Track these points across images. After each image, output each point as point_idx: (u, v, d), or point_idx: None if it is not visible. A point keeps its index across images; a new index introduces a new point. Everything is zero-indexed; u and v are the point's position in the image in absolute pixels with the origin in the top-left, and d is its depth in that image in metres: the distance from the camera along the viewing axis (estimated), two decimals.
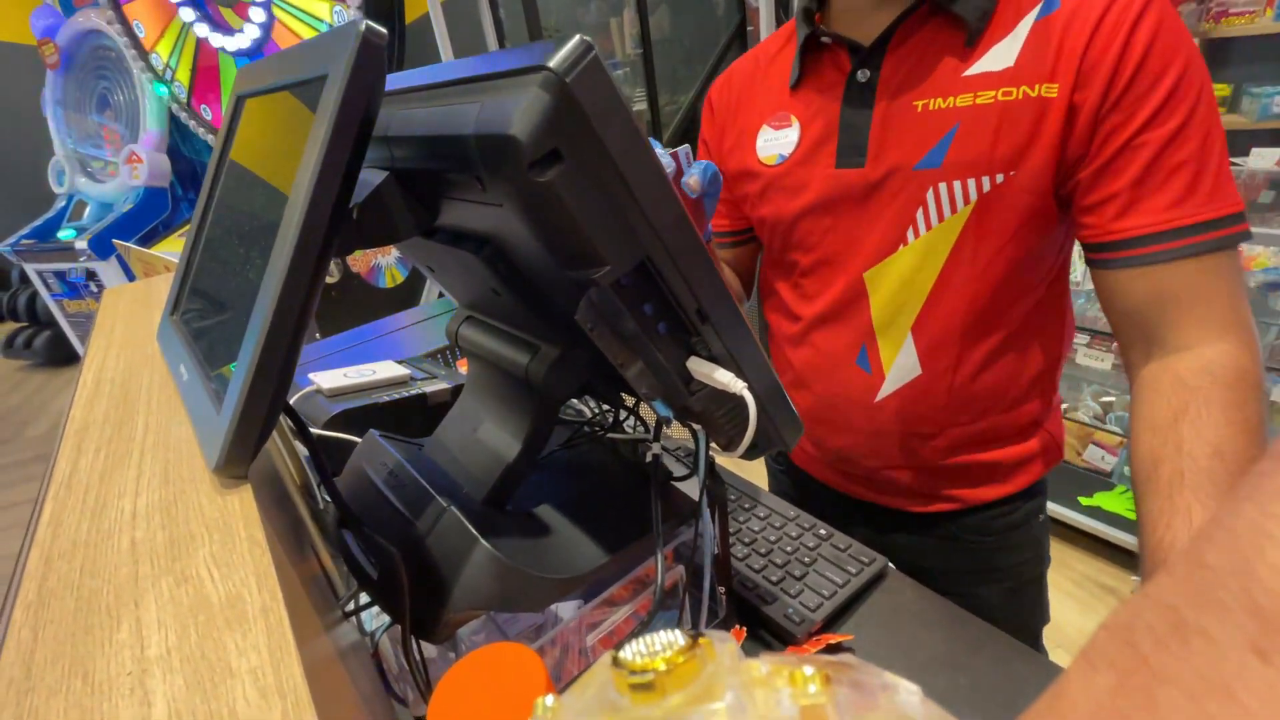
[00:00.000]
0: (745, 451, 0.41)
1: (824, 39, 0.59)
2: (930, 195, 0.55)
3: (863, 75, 0.57)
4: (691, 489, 0.48)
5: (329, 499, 0.56)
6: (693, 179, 0.54)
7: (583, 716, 0.14)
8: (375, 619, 0.54)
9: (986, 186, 0.53)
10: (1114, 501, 1.63)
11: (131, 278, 2.19)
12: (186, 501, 0.26)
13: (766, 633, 0.52)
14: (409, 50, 2.24)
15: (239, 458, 0.25)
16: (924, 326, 0.60)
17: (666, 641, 0.14)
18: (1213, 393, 0.45)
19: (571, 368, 0.40)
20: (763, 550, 0.58)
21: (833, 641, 0.49)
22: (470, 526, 0.38)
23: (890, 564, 0.56)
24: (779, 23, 1.78)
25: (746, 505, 0.64)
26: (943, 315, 0.59)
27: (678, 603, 0.50)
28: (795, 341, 0.70)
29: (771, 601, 0.52)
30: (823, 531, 0.59)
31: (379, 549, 0.38)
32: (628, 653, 0.14)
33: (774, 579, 0.54)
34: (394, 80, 0.36)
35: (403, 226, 0.36)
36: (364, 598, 0.50)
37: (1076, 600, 1.48)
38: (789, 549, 0.58)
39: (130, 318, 0.57)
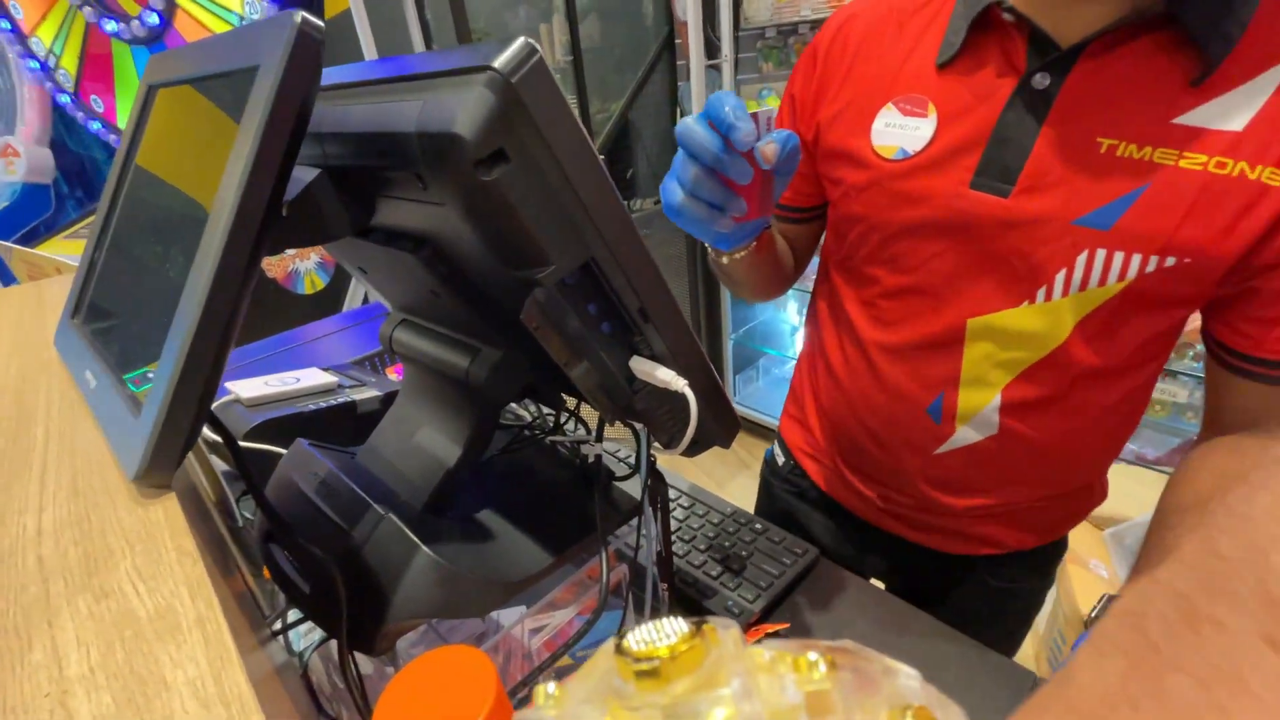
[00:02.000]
0: (686, 449, 0.42)
1: (1006, 15, 0.45)
2: (1082, 259, 0.44)
3: (1041, 81, 0.44)
4: (632, 488, 0.49)
5: (249, 516, 0.53)
6: (769, 146, 0.40)
7: (587, 704, 0.14)
8: (304, 638, 0.51)
9: (1151, 267, 0.43)
10: None
11: (9, 280, 1.98)
12: (101, 514, 0.24)
13: None
14: (328, 48, 2.15)
15: (162, 466, 0.24)
16: (1018, 389, 0.51)
17: (671, 629, 0.14)
18: None
19: (514, 370, 0.40)
20: (702, 546, 0.59)
21: (770, 630, 0.51)
22: (410, 533, 0.37)
23: (820, 554, 0.59)
24: (707, 40, 1.83)
25: (685, 503, 0.65)
26: (1043, 382, 0.50)
27: (621, 602, 0.51)
28: (853, 365, 0.59)
29: (711, 595, 0.54)
30: (758, 526, 0.61)
31: (312, 560, 0.37)
32: (632, 640, 0.14)
33: (713, 573, 0.56)
34: (325, 75, 0.35)
35: (335, 225, 0.35)
36: (292, 615, 0.48)
37: None
38: (727, 544, 0.59)
39: (20, 323, 0.52)
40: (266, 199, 0.25)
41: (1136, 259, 0.43)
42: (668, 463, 0.50)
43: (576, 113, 0.40)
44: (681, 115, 2.98)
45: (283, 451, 0.50)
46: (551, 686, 0.15)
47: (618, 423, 0.44)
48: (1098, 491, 0.63)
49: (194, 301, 0.24)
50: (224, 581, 0.27)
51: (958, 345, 0.51)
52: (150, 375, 0.28)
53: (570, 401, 0.51)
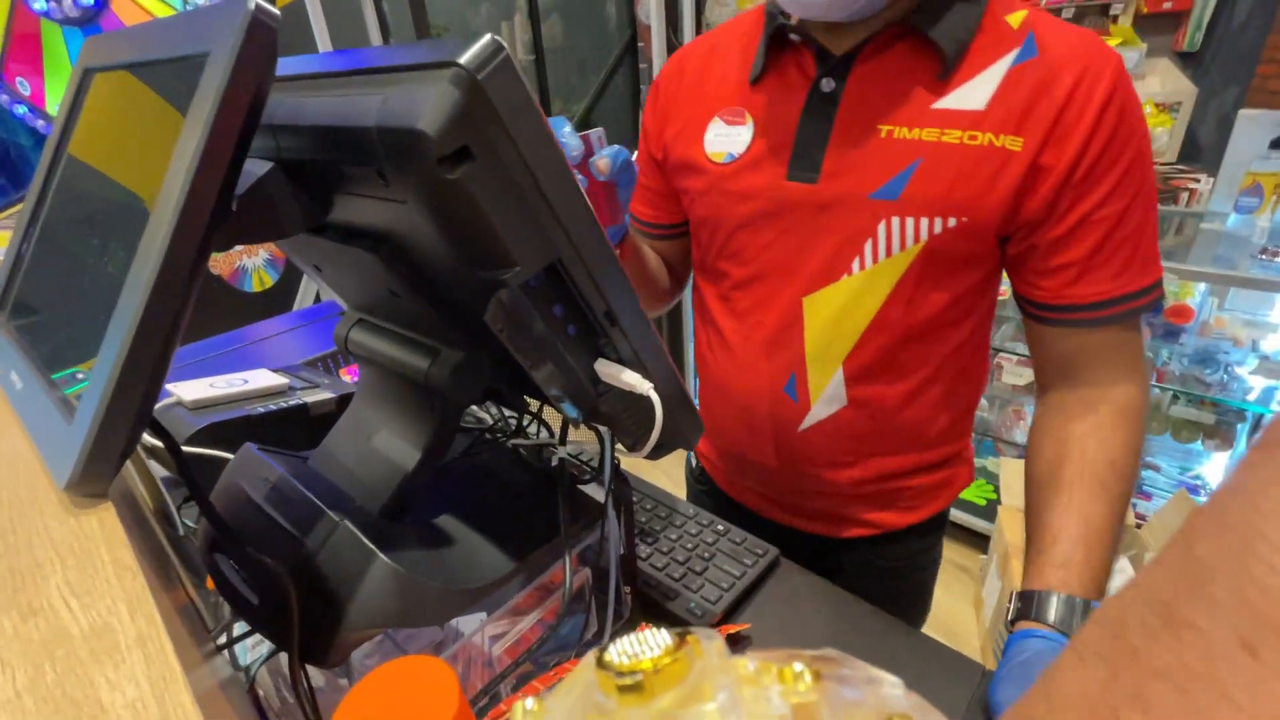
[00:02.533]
0: (650, 451, 0.42)
1: (793, 36, 0.56)
2: (882, 228, 0.53)
3: (827, 85, 0.54)
4: (595, 491, 0.48)
5: (191, 524, 0.50)
6: (602, 161, 0.49)
7: (568, 718, 0.14)
8: (250, 652, 0.49)
9: (938, 228, 0.52)
10: (968, 491, 1.84)
11: None
12: (28, 525, 0.22)
13: (670, 626, 0.53)
14: (280, 39, 2.07)
15: (98, 473, 0.22)
16: (856, 359, 0.59)
17: (654, 641, 0.14)
18: (1117, 421, 0.55)
19: (476, 371, 0.39)
20: (665, 549, 0.59)
21: (732, 631, 0.51)
22: (366, 540, 0.36)
23: (781, 554, 0.60)
24: (668, 42, 1.84)
25: (648, 506, 0.65)
26: (875, 350, 0.58)
27: (584, 606, 0.50)
28: (719, 354, 0.68)
29: (674, 597, 0.54)
30: (720, 528, 0.62)
31: (262, 570, 0.35)
32: (614, 654, 0.14)
33: (676, 575, 0.56)
34: (280, 66, 0.33)
35: (289, 221, 0.33)
36: (238, 629, 0.46)
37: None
38: (689, 546, 0.59)
39: None
40: (216, 193, 0.24)
41: (925, 222, 0.52)
42: (628, 465, 0.50)
43: None
44: None
45: (229, 456, 0.48)
46: (530, 702, 0.15)
47: (581, 425, 0.44)
48: (963, 471, 0.71)
49: (136, 299, 0.23)
50: (165, 595, 0.26)
51: (798, 324, 0.59)
52: (81, 376, 0.26)
53: (533, 404, 0.50)
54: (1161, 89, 1.71)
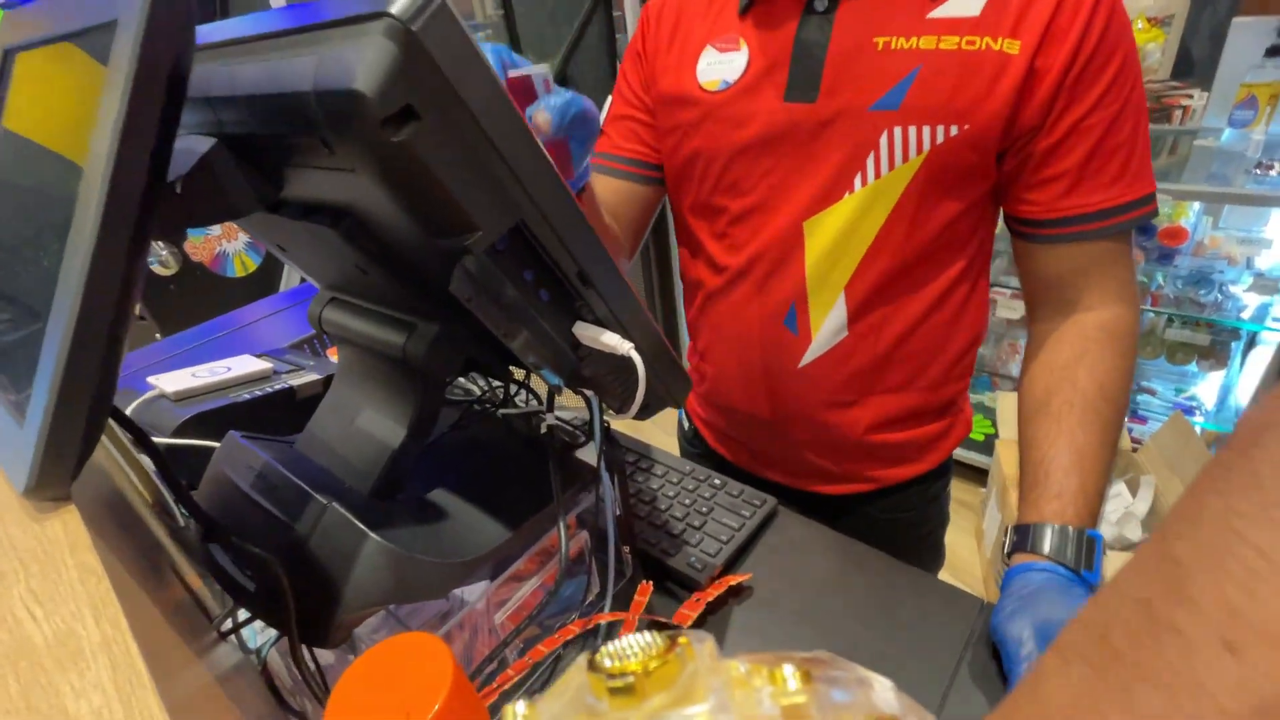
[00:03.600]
0: (638, 412, 0.42)
1: None
2: (884, 139, 0.53)
3: (820, 4, 0.54)
4: (588, 455, 0.48)
5: (188, 514, 0.50)
6: (541, 115, 0.41)
7: None
8: (260, 634, 0.50)
9: (940, 137, 0.52)
10: None
11: None
12: None
13: (672, 583, 0.54)
14: (235, 6, 1.98)
15: (55, 476, 0.22)
16: (856, 286, 0.58)
17: (644, 643, 0.14)
18: (1107, 345, 0.54)
19: (453, 343, 0.38)
20: (662, 506, 0.60)
21: (733, 582, 0.52)
22: (356, 521, 0.35)
23: (779, 504, 0.60)
24: None
25: (644, 466, 0.65)
26: (876, 274, 0.58)
27: (584, 568, 0.51)
28: (717, 297, 0.66)
29: (675, 553, 0.54)
30: (716, 481, 0.62)
31: (253, 558, 0.35)
32: (605, 656, 0.14)
33: (675, 531, 0.56)
34: (210, 32, 0.31)
35: (240, 200, 0.32)
36: (243, 614, 0.46)
37: None
38: (686, 502, 0.60)
39: None
40: (145, 171, 0.23)
41: (927, 130, 0.52)
42: (627, 428, 0.49)
43: None
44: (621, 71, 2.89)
45: (215, 445, 0.47)
46: (521, 706, 0.15)
47: (569, 390, 0.43)
48: (960, 422, 0.71)
49: (70, 294, 0.22)
50: (148, 596, 0.26)
51: (799, 250, 0.59)
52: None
53: (519, 373, 0.50)
54: (1154, 2, 1.64)
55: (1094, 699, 0.13)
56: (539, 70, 0.42)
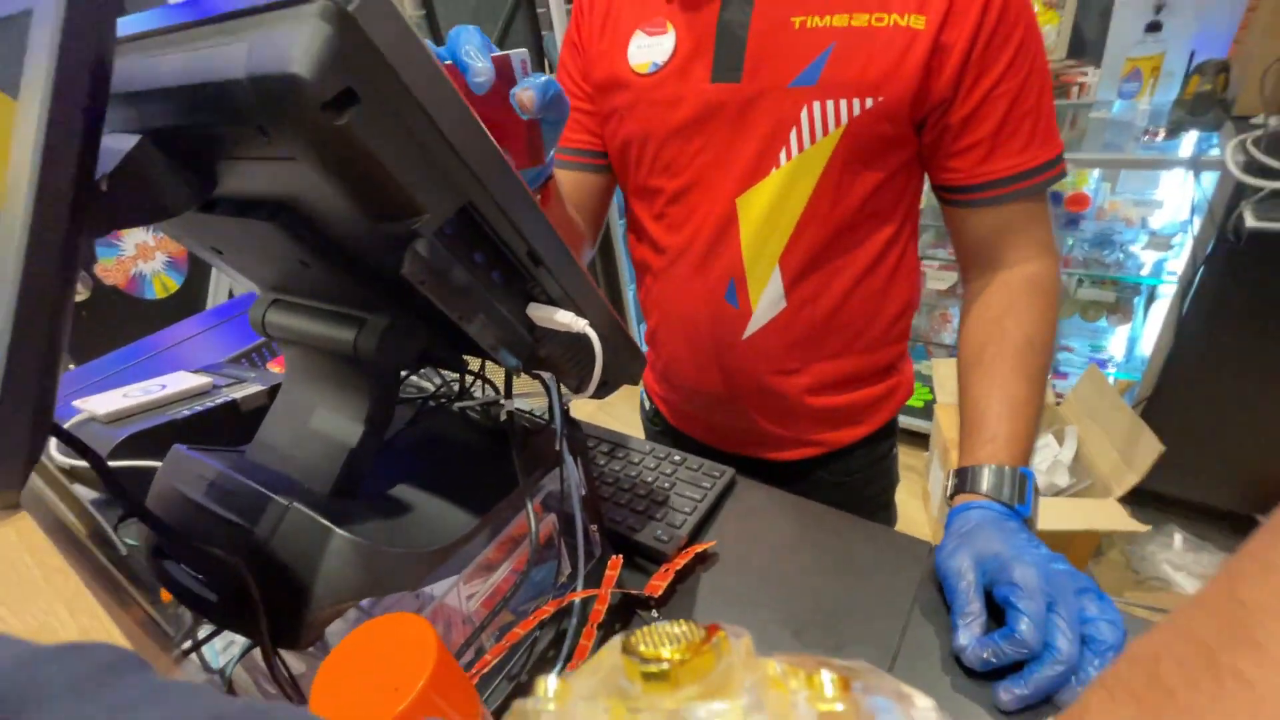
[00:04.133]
0: (596, 389, 0.43)
1: None
2: (804, 114, 0.55)
3: None
4: (550, 439, 0.48)
5: (133, 543, 0.48)
6: (526, 94, 0.41)
7: (590, 700, 0.14)
8: (221, 654, 0.48)
9: (857, 110, 0.54)
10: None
11: None
12: None
13: (641, 557, 0.55)
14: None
15: (3, 483, 0.21)
16: (790, 257, 0.61)
17: (681, 632, 0.14)
18: (1033, 297, 0.59)
19: (406, 334, 0.38)
20: (626, 486, 0.61)
21: (699, 550, 0.53)
22: (320, 518, 0.35)
23: (737, 474, 0.62)
24: None
25: (605, 449, 0.66)
26: (808, 244, 0.60)
27: (554, 551, 0.51)
28: (661, 277, 0.68)
29: (641, 528, 0.56)
30: (676, 458, 0.64)
31: (215, 566, 0.34)
32: (640, 640, 0.14)
33: (639, 508, 0.58)
34: (124, 25, 0.30)
35: (171, 198, 0.31)
36: (203, 631, 0.45)
37: None
38: (649, 479, 0.61)
39: None
40: (74, 173, 0.22)
41: (844, 104, 0.55)
42: (582, 415, 0.50)
43: None
44: (548, 67, 2.87)
45: (157, 465, 0.45)
46: (553, 680, 0.15)
47: (526, 377, 0.44)
48: (903, 383, 0.75)
49: (3, 304, 0.21)
50: (122, 611, 0.25)
51: (734, 227, 0.61)
52: None
53: (474, 363, 0.50)
54: None
55: None
56: (518, 53, 0.43)
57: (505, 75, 0.42)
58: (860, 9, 0.53)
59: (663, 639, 0.14)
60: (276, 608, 0.35)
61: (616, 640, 0.15)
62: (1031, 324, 0.58)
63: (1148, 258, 1.57)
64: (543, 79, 0.43)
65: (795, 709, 0.13)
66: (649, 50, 0.60)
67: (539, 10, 2.79)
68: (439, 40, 0.41)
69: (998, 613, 0.43)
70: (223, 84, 0.25)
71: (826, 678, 0.13)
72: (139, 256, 2.05)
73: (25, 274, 0.21)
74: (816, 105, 0.55)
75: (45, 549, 0.20)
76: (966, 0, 0.52)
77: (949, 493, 0.54)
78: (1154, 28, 1.45)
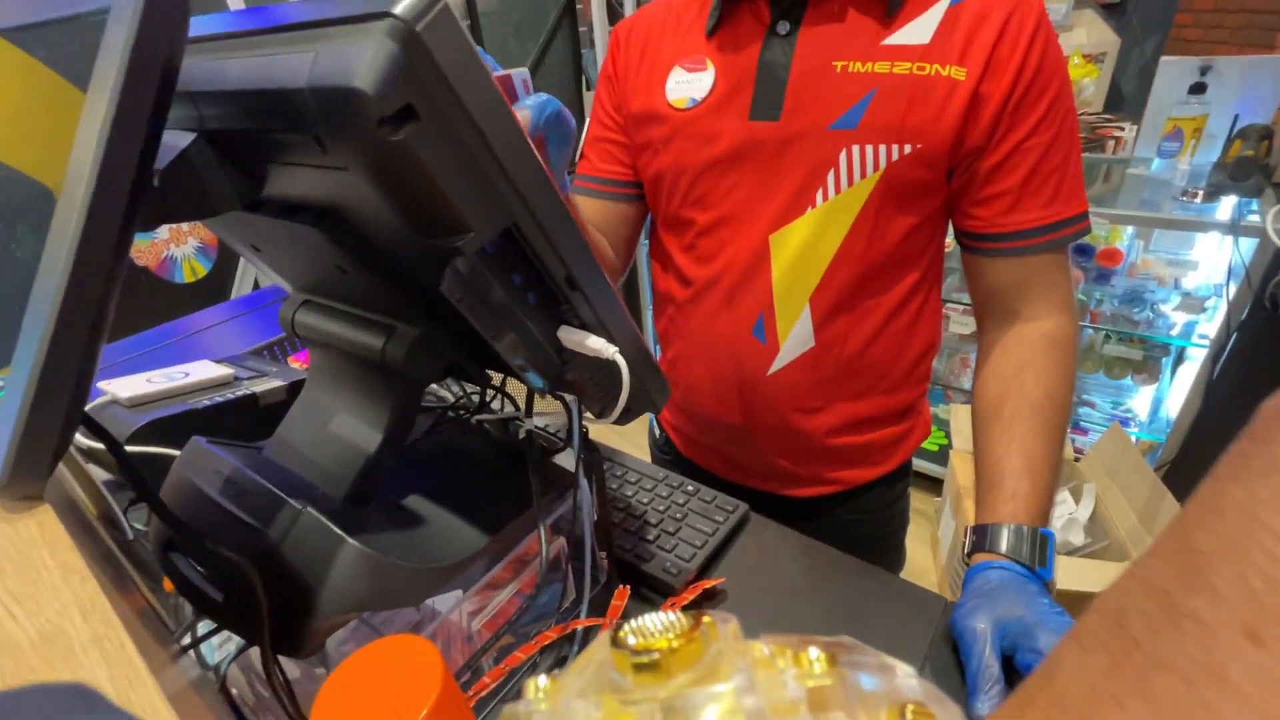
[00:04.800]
0: (618, 416, 0.42)
1: None
2: (843, 156, 0.56)
3: (783, 28, 0.57)
4: (565, 460, 0.48)
5: (141, 528, 0.48)
6: (521, 113, 0.43)
7: (582, 696, 0.14)
8: (218, 650, 0.48)
9: (895, 155, 0.55)
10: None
11: None
12: None
13: (647, 588, 0.54)
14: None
15: (31, 471, 0.21)
16: (822, 295, 0.61)
17: (669, 621, 0.14)
18: (1051, 353, 0.58)
19: (434, 347, 0.38)
20: (637, 513, 0.60)
21: (707, 586, 0.52)
22: (332, 525, 0.35)
23: (750, 509, 0.61)
24: (609, 4, 1.79)
25: (618, 472, 0.66)
26: (839, 285, 0.60)
27: (560, 575, 0.51)
28: (687, 308, 0.68)
29: (649, 559, 0.55)
30: (690, 488, 0.63)
31: (224, 564, 0.34)
32: (629, 633, 0.14)
33: (649, 538, 0.57)
34: (195, 26, 0.31)
35: (220, 197, 0.31)
36: (202, 628, 0.44)
37: None
38: (660, 508, 0.60)
39: None
40: (134, 167, 0.22)
41: (883, 149, 0.55)
42: (596, 436, 0.49)
43: None
44: (587, 84, 2.92)
45: (175, 454, 0.45)
46: (543, 679, 0.15)
47: (547, 396, 0.43)
48: (920, 424, 0.75)
49: (51, 288, 0.21)
50: (122, 599, 0.25)
51: (766, 263, 0.61)
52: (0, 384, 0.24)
53: (496, 378, 0.49)
54: (1088, 40, 1.76)
55: (1111, 688, 0.13)
56: (520, 71, 0.44)
57: (507, 93, 0.42)
58: (903, 57, 0.54)
59: (651, 629, 0.14)
60: (281, 613, 0.34)
61: (605, 635, 0.15)
62: (1050, 380, 0.57)
63: (1178, 318, 1.54)
64: (541, 98, 0.44)
65: (784, 687, 0.13)
66: (687, 86, 0.61)
67: (580, 29, 2.85)
68: (483, 50, 0.41)
69: (1013, 676, 0.42)
70: (284, 91, 0.25)
71: (813, 654, 0.14)
72: (171, 240, 2.09)
73: (76, 262, 0.21)
74: (855, 149, 0.56)
75: (65, 546, 0.19)
76: (1007, 53, 0.53)
77: (966, 550, 0.53)
78: (1198, 89, 1.45)
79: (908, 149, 0.55)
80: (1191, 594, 0.12)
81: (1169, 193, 1.44)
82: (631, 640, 0.14)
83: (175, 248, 2.11)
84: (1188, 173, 1.49)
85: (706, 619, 0.14)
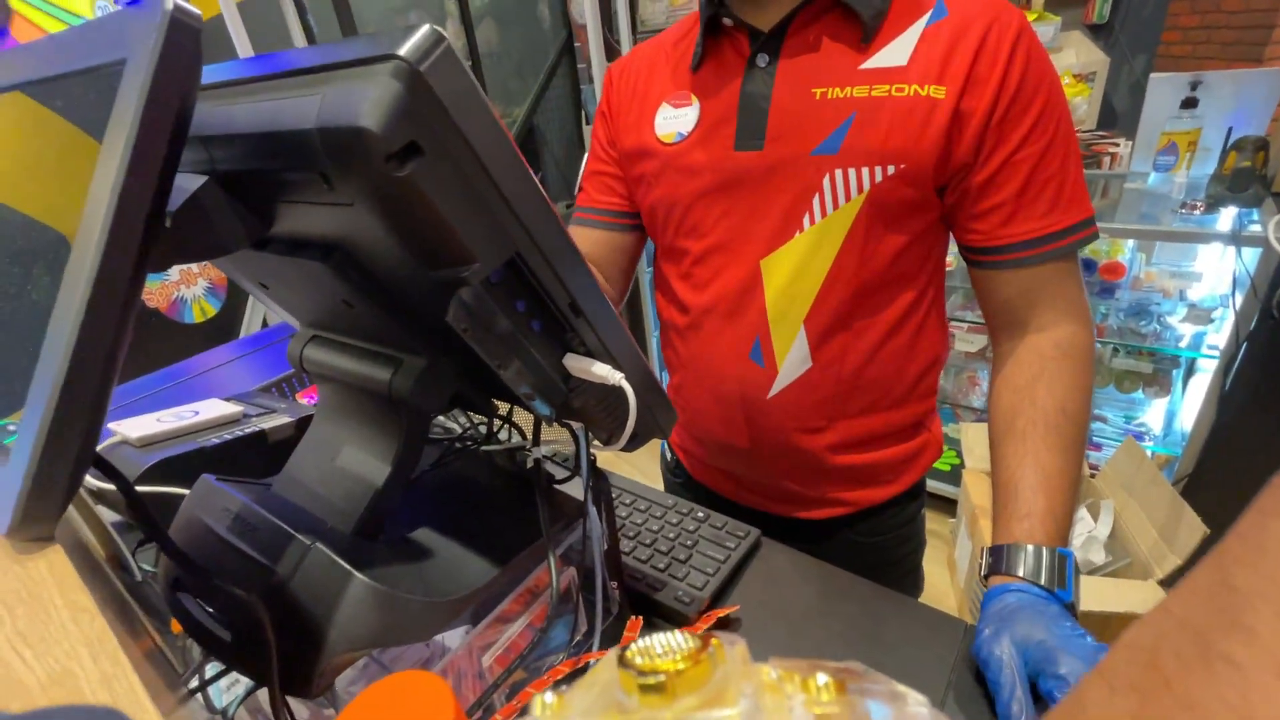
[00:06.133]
0: (627, 443, 0.42)
1: (725, 20, 0.60)
2: (826, 181, 0.57)
3: (762, 60, 0.58)
4: (573, 489, 0.48)
5: (149, 569, 0.48)
6: None
7: (587, 715, 0.14)
8: (225, 693, 0.47)
9: (879, 176, 0.56)
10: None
11: None
12: None
13: (660, 618, 0.53)
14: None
15: (43, 513, 0.21)
16: (816, 317, 0.61)
17: (676, 642, 0.14)
18: (1063, 363, 0.57)
19: (440, 378, 0.38)
20: (647, 541, 0.59)
21: (721, 615, 0.51)
22: (340, 560, 0.34)
23: (762, 534, 0.61)
24: (606, 42, 1.84)
25: (627, 500, 0.65)
26: (833, 305, 0.61)
27: (571, 606, 0.50)
28: (686, 334, 0.69)
29: (661, 588, 0.54)
30: (700, 514, 0.62)
31: (233, 604, 0.33)
32: (636, 653, 0.14)
33: (661, 566, 0.56)
34: (206, 74, 0.32)
35: (229, 237, 0.32)
36: (210, 670, 0.44)
37: None
38: (671, 535, 0.59)
39: None
40: (146, 213, 0.23)
41: (865, 171, 0.56)
42: (606, 464, 0.49)
43: None
44: (586, 119, 2.98)
45: (184, 492, 0.45)
46: (549, 696, 0.15)
47: (554, 424, 0.43)
48: (931, 443, 0.73)
49: (65, 331, 0.21)
50: (131, 641, 0.25)
51: (758, 288, 0.62)
52: (12, 428, 0.24)
53: (502, 407, 0.50)
54: (1077, 60, 1.79)
55: None
56: None
57: None
58: (881, 80, 0.55)
59: (658, 650, 0.14)
60: (290, 652, 0.34)
61: (612, 654, 0.14)
62: (1064, 391, 0.56)
63: (1186, 330, 1.53)
64: None
65: (791, 713, 0.13)
66: (674, 121, 0.63)
67: (579, 66, 2.92)
68: (484, 89, 0.44)
69: (1037, 702, 0.41)
70: (293, 133, 0.25)
71: (821, 680, 0.13)
72: (182, 282, 2.12)
73: (90, 306, 0.22)
74: (839, 173, 0.56)
75: (74, 586, 0.19)
76: (987, 69, 0.53)
77: (983, 572, 0.52)
78: (1189, 104, 1.46)
79: (891, 170, 0.55)
80: (1228, 635, 0.11)
81: (1168, 205, 1.44)
82: (638, 661, 0.13)
83: (185, 289, 2.14)
84: (1185, 185, 1.50)
85: (714, 641, 0.14)
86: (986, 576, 0.51)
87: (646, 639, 0.14)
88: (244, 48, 1.72)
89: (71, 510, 0.43)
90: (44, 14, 1.84)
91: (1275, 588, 0.11)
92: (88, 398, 0.22)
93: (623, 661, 0.14)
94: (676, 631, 0.14)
